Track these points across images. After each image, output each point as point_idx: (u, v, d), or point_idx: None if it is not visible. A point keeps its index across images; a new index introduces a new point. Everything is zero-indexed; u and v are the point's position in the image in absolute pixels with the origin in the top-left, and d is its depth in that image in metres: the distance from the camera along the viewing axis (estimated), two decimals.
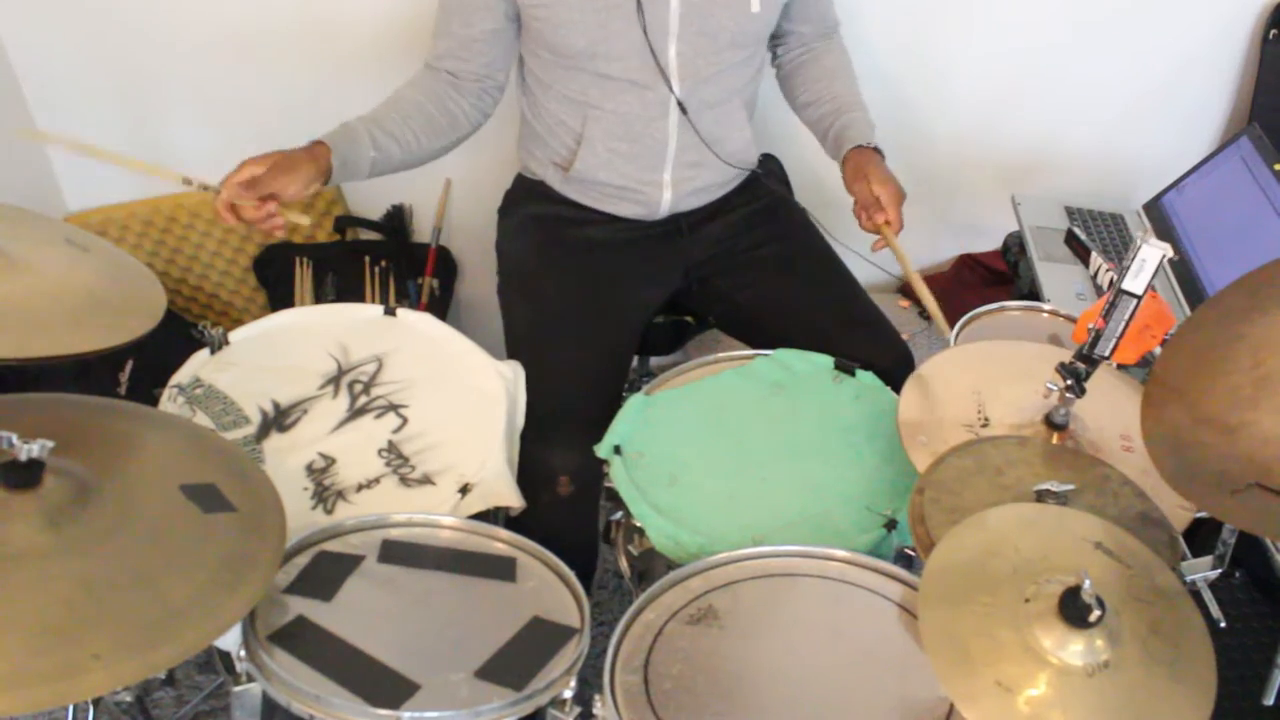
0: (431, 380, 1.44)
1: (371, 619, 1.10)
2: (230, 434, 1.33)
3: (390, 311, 1.54)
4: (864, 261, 1.66)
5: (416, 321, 1.54)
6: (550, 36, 1.52)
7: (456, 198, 2.18)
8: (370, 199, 2.17)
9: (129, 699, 1.31)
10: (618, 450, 1.36)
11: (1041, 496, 1.13)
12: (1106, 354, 1.23)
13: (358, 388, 1.42)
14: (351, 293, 2.13)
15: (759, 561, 1.20)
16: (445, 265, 2.22)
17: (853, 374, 1.50)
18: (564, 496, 1.44)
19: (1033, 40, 2.06)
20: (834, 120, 1.69)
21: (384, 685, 1.02)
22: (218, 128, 2.01)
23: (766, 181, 1.79)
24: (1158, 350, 1.36)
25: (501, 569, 1.19)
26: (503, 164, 1.84)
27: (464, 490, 1.29)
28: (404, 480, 1.30)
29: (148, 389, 1.62)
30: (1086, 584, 0.94)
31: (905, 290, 2.29)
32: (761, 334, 1.65)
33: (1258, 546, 1.42)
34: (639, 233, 1.69)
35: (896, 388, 1.43)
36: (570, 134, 1.62)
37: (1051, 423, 1.29)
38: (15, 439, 0.96)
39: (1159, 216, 1.97)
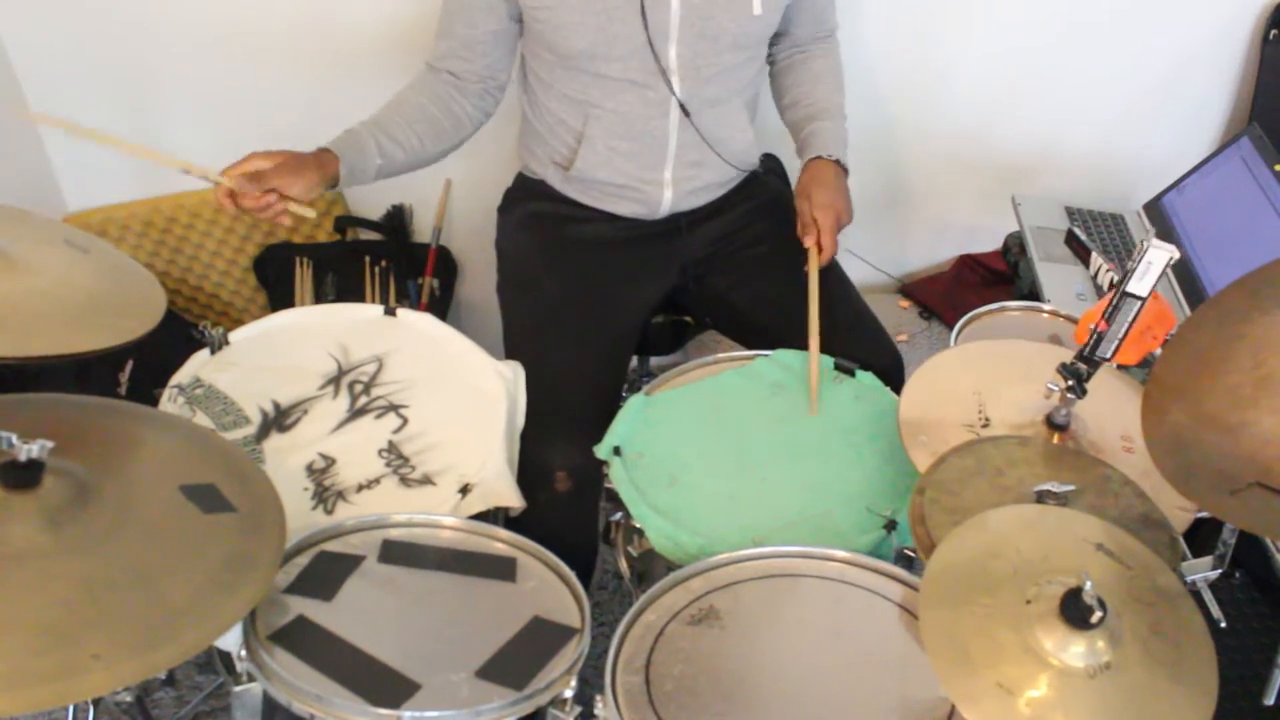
0: (431, 380, 1.44)
1: (372, 619, 1.10)
2: (230, 434, 1.33)
3: (390, 311, 1.54)
4: (862, 262, 1.66)
5: (416, 321, 1.54)
6: (551, 37, 1.52)
7: (456, 197, 2.18)
8: (370, 199, 2.17)
9: (129, 699, 1.31)
10: (617, 451, 1.36)
11: (1042, 497, 1.13)
12: (1108, 356, 1.23)
13: (358, 388, 1.42)
14: (351, 293, 2.13)
15: (760, 562, 1.20)
16: (445, 265, 2.22)
17: (853, 374, 1.50)
18: (562, 493, 1.44)
19: (1033, 40, 2.06)
20: (805, 125, 1.69)
21: (384, 685, 1.02)
22: (218, 126, 2.01)
23: (766, 180, 1.79)
24: (1158, 351, 1.36)
25: (502, 569, 1.19)
26: (503, 163, 1.85)
27: (464, 490, 1.29)
28: (404, 480, 1.30)
29: (148, 389, 1.61)
30: (1088, 585, 0.94)
31: (905, 291, 2.29)
32: (755, 334, 1.65)
33: (1258, 546, 1.42)
34: (639, 232, 1.69)
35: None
36: (571, 133, 1.62)
37: (1052, 423, 1.29)
38: (15, 439, 0.96)
39: (1159, 217, 1.97)
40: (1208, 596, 1.13)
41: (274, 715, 1.05)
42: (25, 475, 0.97)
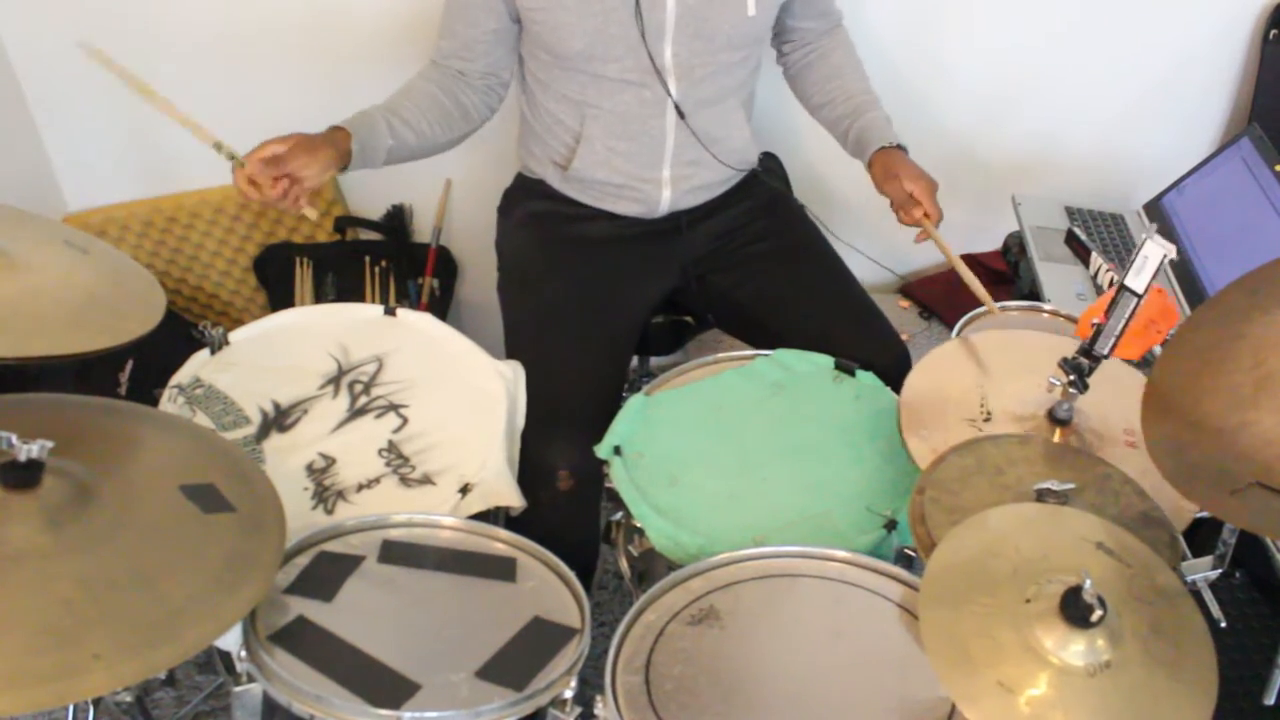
0: (431, 380, 1.44)
1: (372, 619, 1.10)
2: (230, 434, 1.33)
3: (390, 311, 1.54)
4: (864, 259, 1.67)
5: (416, 321, 1.54)
6: (548, 38, 1.52)
7: (456, 198, 2.18)
8: (370, 199, 2.17)
9: (129, 699, 1.30)
10: (618, 451, 1.36)
11: (1042, 496, 1.13)
12: (1106, 351, 1.23)
13: (358, 388, 1.42)
14: (351, 293, 2.13)
15: (760, 562, 1.20)
16: (445, 265, 2.22)
17: (853, 374, 1.50)
18: (563, 492, 1.44)
19: (1033, 40, 2.06)
20: (852, 122, 1.69)
21: (384, 685, 1.02)
22: (218, 126, 2.00)
23: (765, 179, 1.79)
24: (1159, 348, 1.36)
25: (502, 569, 1.19)
26: (502, 163, 1.84)
27: (464, 490, 1.29)
28: (404, 480, 1.30)
29: (148, 389, 1.61)
30: (1087, 584, 0.94)
31: (905, 290, 2.29)
32: (759, 331, 1.65)
33: (1258, 546, 1.42)
34: (639, 231, 1.69)
35: (894, 386, 1.43)
36: (569, 133, 1.62)
37: (1054, 418, 1.29)
38: (15, 439, 0.96)
39: (1159, 217, 1.97)
40: (1208, 596, 1.12)
41: (274, 716, 1.05)
42: (25, 475, 0.97)
